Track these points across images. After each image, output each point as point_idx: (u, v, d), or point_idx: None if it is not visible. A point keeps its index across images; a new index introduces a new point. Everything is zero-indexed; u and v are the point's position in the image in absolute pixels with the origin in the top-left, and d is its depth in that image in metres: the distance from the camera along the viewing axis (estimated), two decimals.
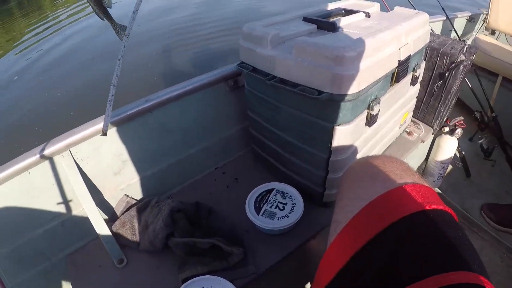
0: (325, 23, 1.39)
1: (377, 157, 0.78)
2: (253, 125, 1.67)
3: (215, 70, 1.73)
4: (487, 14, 3.18)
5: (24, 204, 1.41)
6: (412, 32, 1.45)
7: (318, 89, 1.12)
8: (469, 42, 3.22)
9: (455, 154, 2.26)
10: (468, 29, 3.59)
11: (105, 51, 6.42)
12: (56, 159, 1.41)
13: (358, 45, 1.10)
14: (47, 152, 1.36)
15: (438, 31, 3.15)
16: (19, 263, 1.46)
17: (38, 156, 1.34)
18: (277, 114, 1.42)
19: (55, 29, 10.17)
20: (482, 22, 3.41)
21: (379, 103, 1.32)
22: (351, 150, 1.30)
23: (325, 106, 1.17)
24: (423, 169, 2.26)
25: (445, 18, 2.94)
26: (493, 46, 2.92)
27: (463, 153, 2.48)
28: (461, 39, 3.03)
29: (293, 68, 1.19)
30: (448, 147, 2.04)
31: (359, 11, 1.57)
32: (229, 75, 1.72)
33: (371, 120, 1.33)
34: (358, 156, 1.41)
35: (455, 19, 3.32)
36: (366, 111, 1.30)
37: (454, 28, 2.82)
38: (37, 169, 1.38)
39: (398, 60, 1.35)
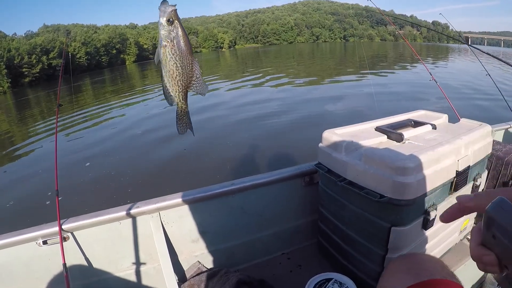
0: (394, 134, 1.59)
1: (416, 254, 0.93)
2: (322, 219, 1.83)
3: (294, 166, 1.96)
4: None
5: (108, 248, 1.67)
6: (472, 144, 1.57)
7: (380, 193, 1.31)
8: None
9: None
10: None
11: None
12: (146, 217, 1.67)
13: (417, 158, 1.29)
14: (139, 210, 1.63)
15: (504, 138, 3.14)
16: None
17: (131, 211, 1.61)
18: (344, 211, 1.59)
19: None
20: None
21: (436, 209, 1.44)
22: (406, 249, 1.41)
23: (385, 208, 1.33)
24: (485, 277, 2.17)
25: None
26: None
27: None
28: None
29: (361, 173, 1.40)
30: None
31: (427, 123, 1.73)
32: (306, 172, 1.93)
33: (427, 224, 1.43)
34: None
35: None
36: (423, 215, 1.42)
37: None
38: (128, 222, 1.65)
39: (457, 171, 1.48)
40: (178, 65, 0.90)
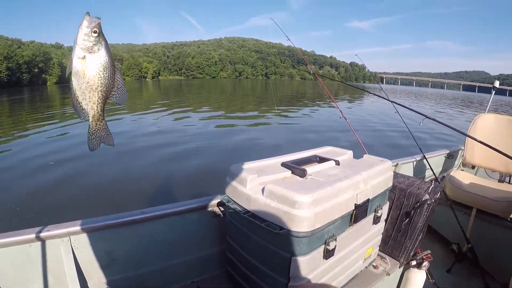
0: (298, 170, 1.68)
1: (309, 284, 0.99)
2: (230, 249, 1.86)
3: (204, 197, 1.99)
4: (464, 150, 3.39)
5: (17, 271, 1.57)
6: (372, 179, 1.72)
7: (280, 226, 1.38)
8: (447, 178, 3.31)
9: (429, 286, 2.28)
10: (448, 165, 3.87)
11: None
12: (57, 241, 1.61)
13: (315, 193, 1.39)
14: (50, 233, 1.57)
15: (413, 170, 3.44)
16: None
17: (41, 234, 1.54)
18: (249, 242, 1.64)
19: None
20: (461, 158, 3.60)
21: (335, 240, 1.54)
22: (308, 278, 1.48)
23: (285, 240, 1.40)
24: None
25: (422, 157, 3.24)
26: (466, 181, 3.06)
27: (437, 285, 2.45)
28: (438, 177, 3.24)
29: (263, 206, 1.47)
30: (416, 279, 2.10)
31: (331, 159, 1.86)
32: (215, 203, 1.97)
33: (327, 254, 1.53)
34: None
35: (435, 158, 3.63)
36: (323, 246, 1.51)
37: (430, 167, 3.12)
38: (38, 245, 1.57)
39: (355, 204, 1.60)
40: (101, 75, 0.89)
